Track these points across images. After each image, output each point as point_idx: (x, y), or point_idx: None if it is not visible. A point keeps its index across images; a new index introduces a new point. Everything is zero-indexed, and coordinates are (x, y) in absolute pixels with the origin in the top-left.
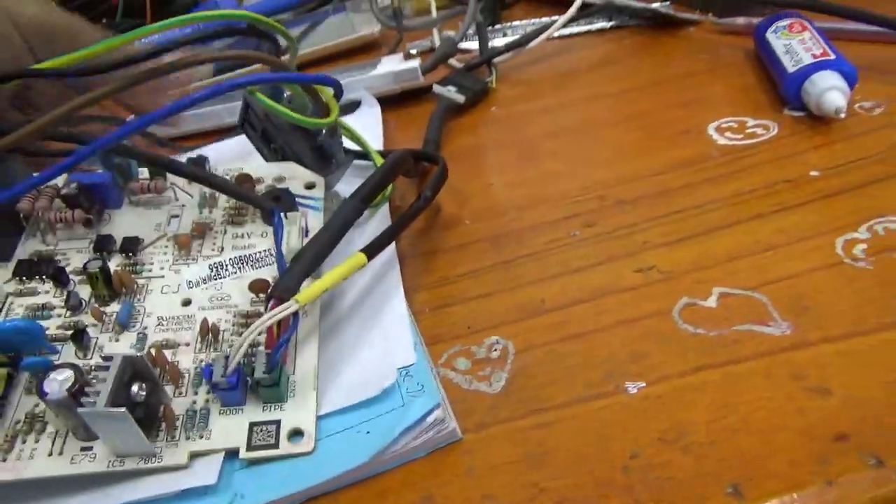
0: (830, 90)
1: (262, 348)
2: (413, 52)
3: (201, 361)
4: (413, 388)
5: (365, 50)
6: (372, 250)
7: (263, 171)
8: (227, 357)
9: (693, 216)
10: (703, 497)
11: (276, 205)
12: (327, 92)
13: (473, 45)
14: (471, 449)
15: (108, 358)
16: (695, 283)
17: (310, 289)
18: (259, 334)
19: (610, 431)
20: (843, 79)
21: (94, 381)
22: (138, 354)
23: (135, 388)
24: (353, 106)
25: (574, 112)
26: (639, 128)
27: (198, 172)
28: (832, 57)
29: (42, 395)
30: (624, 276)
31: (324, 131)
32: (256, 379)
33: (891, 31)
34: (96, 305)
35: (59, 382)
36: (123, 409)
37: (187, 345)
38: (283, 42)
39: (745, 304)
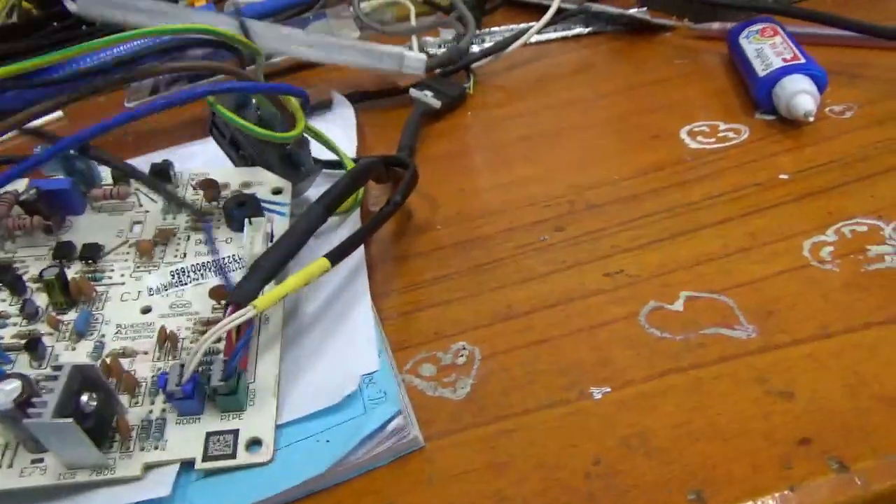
0: (800, 94)
1: (220, 356)
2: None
3: (159, 370)
4: (375, 395)
5: None
6: (336, 255)
7: (230, 176)
8: (182, 365)
9: (662, 220)
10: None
11: (239, 212)
12: (294, 102)
13: None
14: (432, 457)
15: (57, 367)
16: (662, 287)
17: (268, 294)
18: (217, 342)
19: (574, 438)
20: (812, 83)
21: (42, 391)
22: (89, 363)
23: (84, 397)
24: (324, 104)
25: (549, 117)
26: (612, 132)
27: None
28: (802, 61)
29: None
30: (592, 281)
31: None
32: (213, 387)
33: (861, 36)
34: (53, 314)
35: (5, 393)
36: (70, 420)
37: (146, 353)
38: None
39: (712, 308)
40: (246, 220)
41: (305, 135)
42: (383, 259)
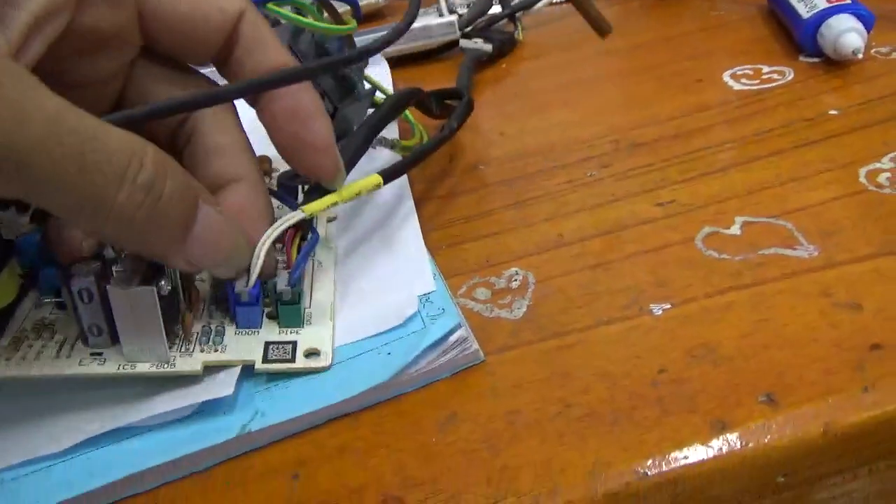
0: (848, 32)
1: (283, 270)
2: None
3: (216, 294)
4: (433, 312)
5: (372, 19)
6: (389, 174)
7: (279, 162)
8: (247, 271)
9: (711, 154)
10: (736, 405)
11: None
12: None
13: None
14: (494, 370)
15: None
16: (716, 214)
17: (317, 201)
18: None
19: (636, 350)
20: (859, 21)
21: (121, 269)
22: None
23: (162, 281)
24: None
25: (586, 66)
26: (652, 78)
27: None
28: (848, 1)
29: (67, 280)
30: (643, 210)
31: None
32: (279, 292)
33: None
34: None
35: (85, 268)
36: (152, 288)
37: (203, 281)
38: None
39: (770, 231)
40: (299, 187)
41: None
42: (427, 198)
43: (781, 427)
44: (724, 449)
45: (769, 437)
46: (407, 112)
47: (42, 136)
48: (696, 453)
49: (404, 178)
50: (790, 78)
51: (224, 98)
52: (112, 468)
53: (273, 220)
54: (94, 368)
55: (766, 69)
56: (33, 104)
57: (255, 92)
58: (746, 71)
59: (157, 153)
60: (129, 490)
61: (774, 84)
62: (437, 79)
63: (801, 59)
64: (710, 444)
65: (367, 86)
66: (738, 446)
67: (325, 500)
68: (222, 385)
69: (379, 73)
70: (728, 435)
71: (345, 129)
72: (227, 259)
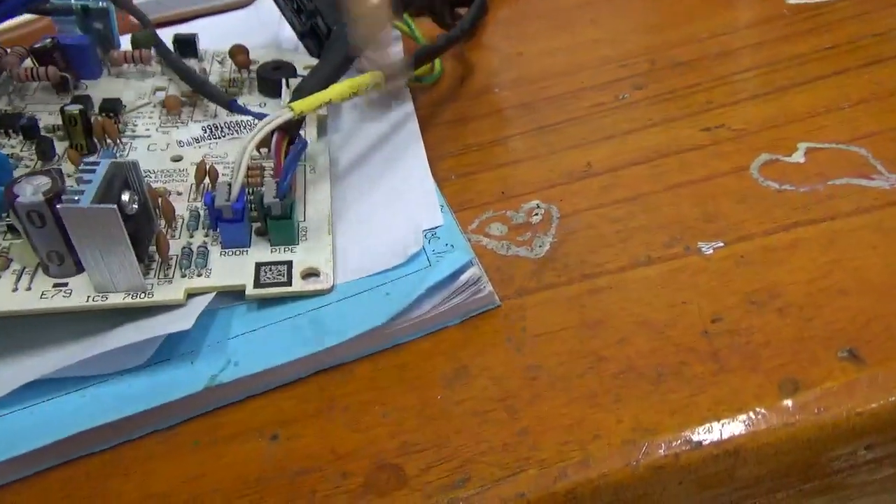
0: None
1: (270, 180)
2: None
3: (196, 209)
4: (440, 248)
5: None
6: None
7: (259, 54)
8: (229, 184)
9: (765, 74)
10: (810, 362)
11: (275, 74)
12: None
13: None
14: (510, 316)
15: (93, 162)
16: (774, 140)
17: (308, 98)
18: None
19: (682, 295)
20: None
21: (76, 185)
22: (131, 160)
23: (125, 196)
24: None
25: None
26: None
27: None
28: None
29: (12, 201)
30: (686, 136)
31: None
32: (267, 206)
33: None
34: (74, 150)
35: (33, 187)
36: (113, 207)
37: (179, 194)
38: None
39: (840, 158)
40: (283, 81)
41: None
42: (434, 123)
43: (868, 388)
44: (798, 414)
45: (853, 399)
46: (410, 21)
47: None
48: (762, 419)
49: (408, 96)
50: None
51: None
52: (63, 423)
53: None
54: (60, 302)
55: None
56: None
57: None
58: None
59: None
60: (83, 449)
61: None
62: None
63: None
64: (779, 408)
65: None
66: (816, 411)
67: (308, 466)
68: (180, 319)
69: None
70: (802, 397)
71: (341, 55)
72: None
